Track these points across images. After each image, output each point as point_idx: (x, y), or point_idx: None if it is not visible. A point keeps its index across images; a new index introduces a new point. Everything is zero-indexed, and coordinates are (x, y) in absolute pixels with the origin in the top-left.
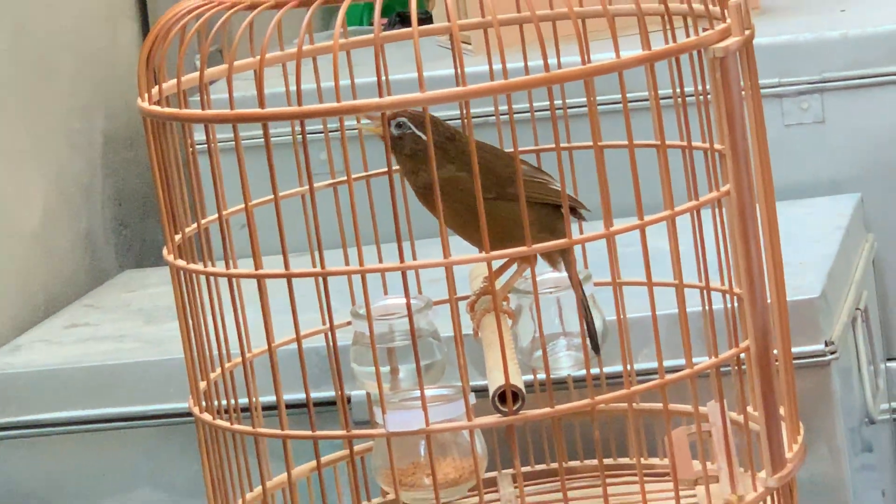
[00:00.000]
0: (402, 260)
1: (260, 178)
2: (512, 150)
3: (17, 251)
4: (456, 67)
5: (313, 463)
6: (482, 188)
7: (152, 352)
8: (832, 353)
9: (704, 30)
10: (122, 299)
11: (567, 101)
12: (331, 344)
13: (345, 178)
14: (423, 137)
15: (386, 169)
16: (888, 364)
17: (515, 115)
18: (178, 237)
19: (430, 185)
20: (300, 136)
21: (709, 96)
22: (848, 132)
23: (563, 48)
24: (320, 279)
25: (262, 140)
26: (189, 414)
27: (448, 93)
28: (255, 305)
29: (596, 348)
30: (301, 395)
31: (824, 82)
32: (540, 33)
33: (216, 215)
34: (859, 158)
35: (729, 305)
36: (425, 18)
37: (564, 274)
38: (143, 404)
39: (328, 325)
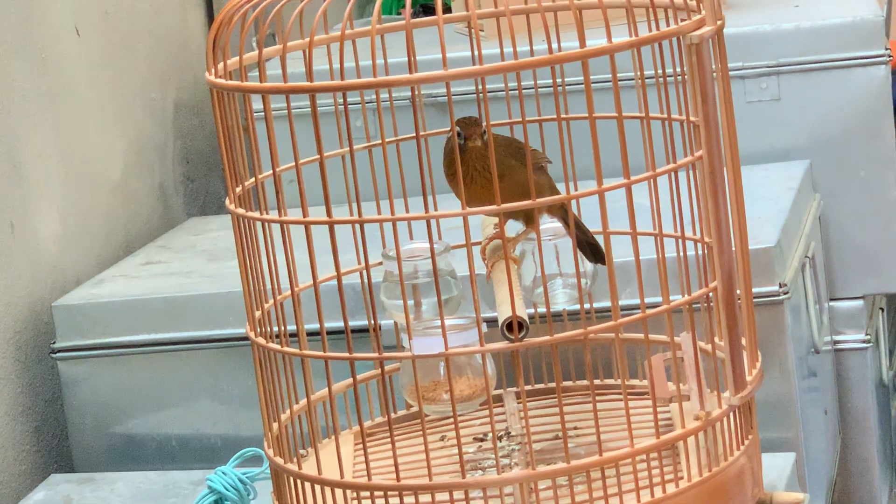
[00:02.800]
0: (426, 210)
1: (307, 141)
2: (519, 120)
3: (102, 199)
4: (473, 49)
5: (349, 380)
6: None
7: (214, 285)
8: (785, 293)
9: (683, 20)
10: (189, 241)
11: (566, 79)
12: (365, 281)
13: (379, 141)
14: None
15: (414, 134)
16: (831, 303)
17: (523, 91)
18: (238, 189)
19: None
20: (342, 105)
21: (685, 76)
22: (800, 109)
23: (563, 34)
24: (357, 226)
25: (310, 109)
26: (245, 338)
27: (467, 70)
28: (302, 247)
29: (601, 258)
30: (340, 324)
31: (780, 66)
32: (545, 21)
33: (270, 171)
34: (809, 131)
35: (700, 252)
36: (446, 9)
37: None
38: (206, 329)
39: (363, 264)
